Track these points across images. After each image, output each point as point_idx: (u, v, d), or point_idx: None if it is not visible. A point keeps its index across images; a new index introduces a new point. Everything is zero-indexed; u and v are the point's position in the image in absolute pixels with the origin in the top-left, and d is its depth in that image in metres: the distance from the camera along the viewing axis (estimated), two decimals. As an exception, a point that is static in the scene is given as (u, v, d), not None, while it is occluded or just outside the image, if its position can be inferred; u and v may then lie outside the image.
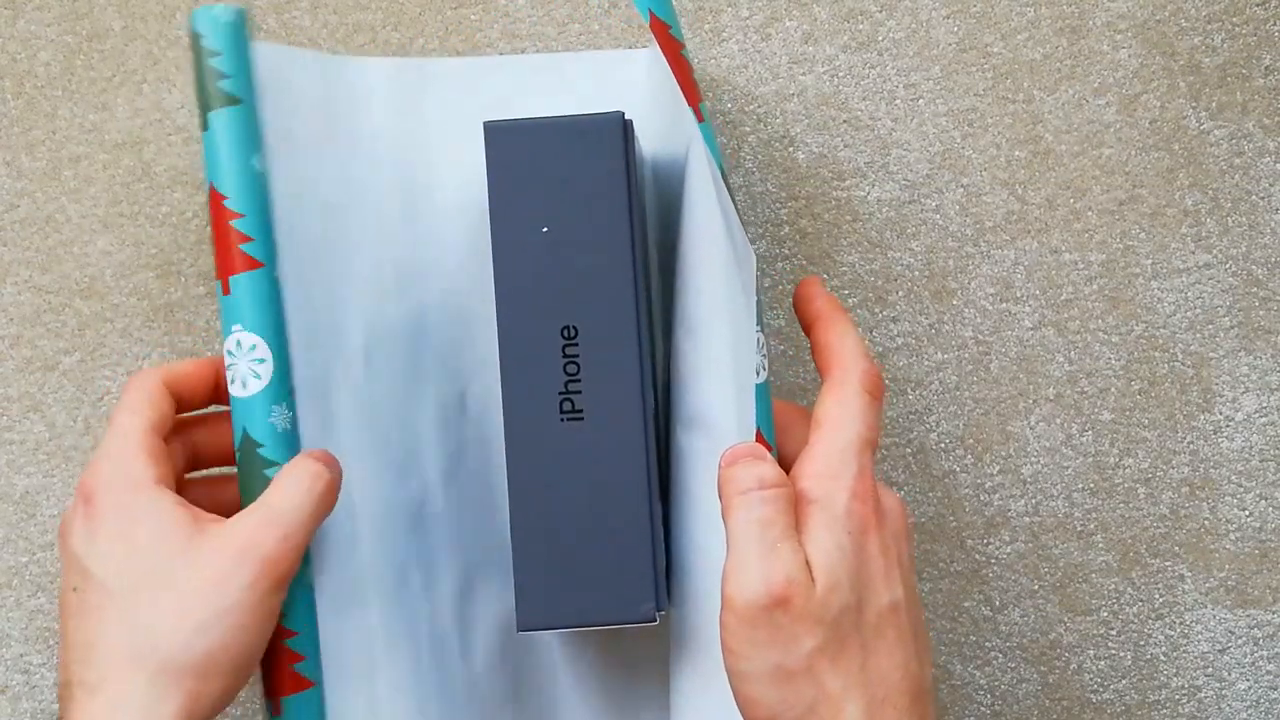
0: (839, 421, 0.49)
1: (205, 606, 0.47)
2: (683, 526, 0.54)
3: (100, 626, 0.47)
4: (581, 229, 0.51)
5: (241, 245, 0.52)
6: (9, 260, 0.63)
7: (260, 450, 0.52)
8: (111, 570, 0.48)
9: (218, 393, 0.54)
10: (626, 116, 0.52)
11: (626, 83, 0.59)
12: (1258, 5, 0.62)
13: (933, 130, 0.62)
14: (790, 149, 0.62)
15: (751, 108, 0.62)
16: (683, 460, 0.54)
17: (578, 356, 0.51)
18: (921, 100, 0.62)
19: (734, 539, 0.47)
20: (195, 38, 0.53)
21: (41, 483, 0.62)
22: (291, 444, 0.52)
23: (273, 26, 0.63)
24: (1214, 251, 0.62)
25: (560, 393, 0.52)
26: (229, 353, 0.52)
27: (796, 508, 0.48)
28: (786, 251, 0.62)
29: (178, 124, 0.63)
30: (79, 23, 0.63)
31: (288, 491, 0.49)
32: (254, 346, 0.52)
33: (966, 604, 0.62)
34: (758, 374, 0.50)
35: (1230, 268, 0.62)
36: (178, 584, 0.47)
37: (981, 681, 0.62)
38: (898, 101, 0.62)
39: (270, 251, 0.53)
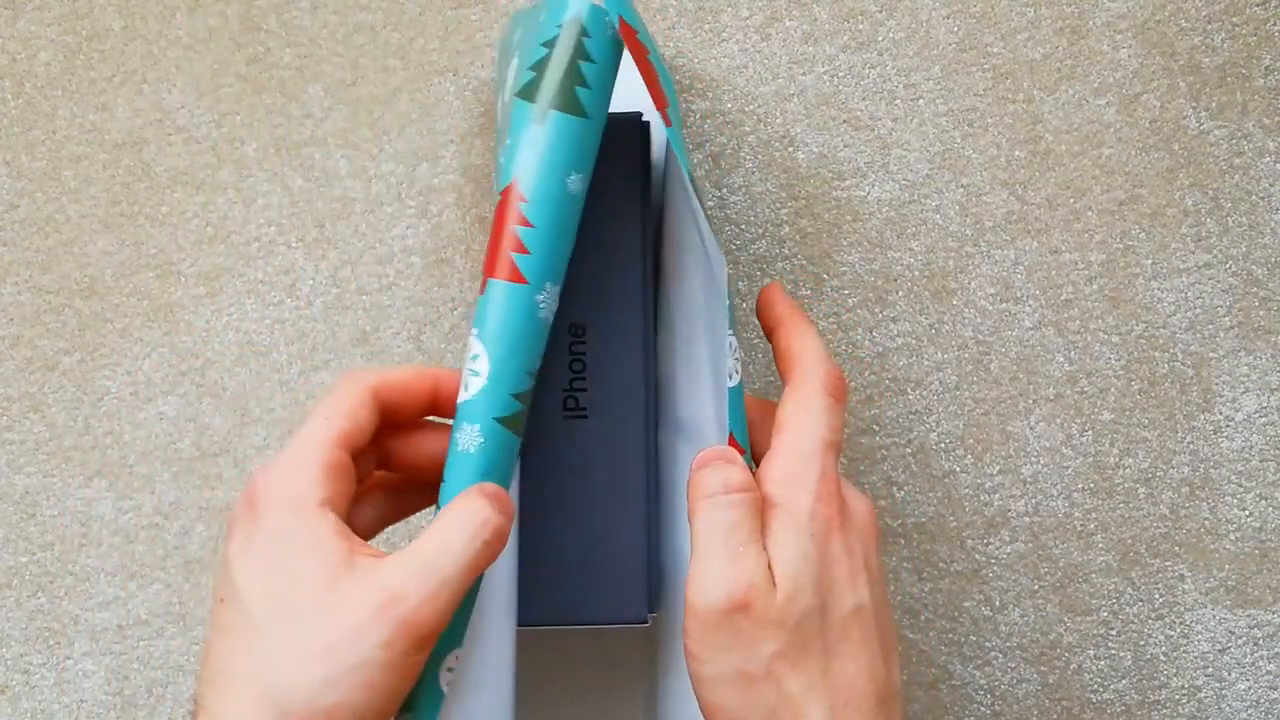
0: (801, 424, 0.49)
1: (336, 660, 0.43)
2: (668, 530, 0.54)
3: (234, 653, 0.44)
4: (595, 228, 0.51)
5: (515, 255, 0.47)
6: (9, 260, 0.63)
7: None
8: (256, 593, 0.44)
9: (433, 405, 0.49)
10: (644, 118, 0.52)
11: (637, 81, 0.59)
12: (1258, 5, 0.62)
13: (933, 130, 0.62)
14: (790, 149, 0.62)
15: (751, 108, 0.62)
16: (667, 464, 0.54)
17: (584, 354, 0.51)
18: (921, 100, 0.62)
19: (698, 543, 0.47)
20: (582, 33, 0.48)
21: (41, 483, 0.62)
22: (459, 463, 0.47)
23: (273, 26, 0.63)
24: (1214, 251, 0.62)
25: (565, 389, 0.51)
26: (471, 356, 0.48)
27: (761, 512, 0.48)
28: (786, 251, 0.62)
29: (178, 124, 0.63)
30: (79, 23, 0.63)
31: (447, 538, 0.45)
32: (476, 357, 0.47)
33: (966, 604, 0.62)
34: (730, 377, 0.50)
35: (1230, 268, 0.62)
36: (315, 628, 0.44)
37: (981, 681, 0.62)
38: (898, 101, 0.62)
39: (541, 275, 0.48)
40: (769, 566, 0.46)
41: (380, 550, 0.45)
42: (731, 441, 0.50)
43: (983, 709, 0.62)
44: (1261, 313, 0.62)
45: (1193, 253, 0.62)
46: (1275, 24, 0.63)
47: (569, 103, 0.48)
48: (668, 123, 0.49)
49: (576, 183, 0.48)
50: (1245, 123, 0.62)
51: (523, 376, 0.47)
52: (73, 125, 0.63)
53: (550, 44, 0.48)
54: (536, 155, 0.48)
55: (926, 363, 0.62)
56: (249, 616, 0.44)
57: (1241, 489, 0.62)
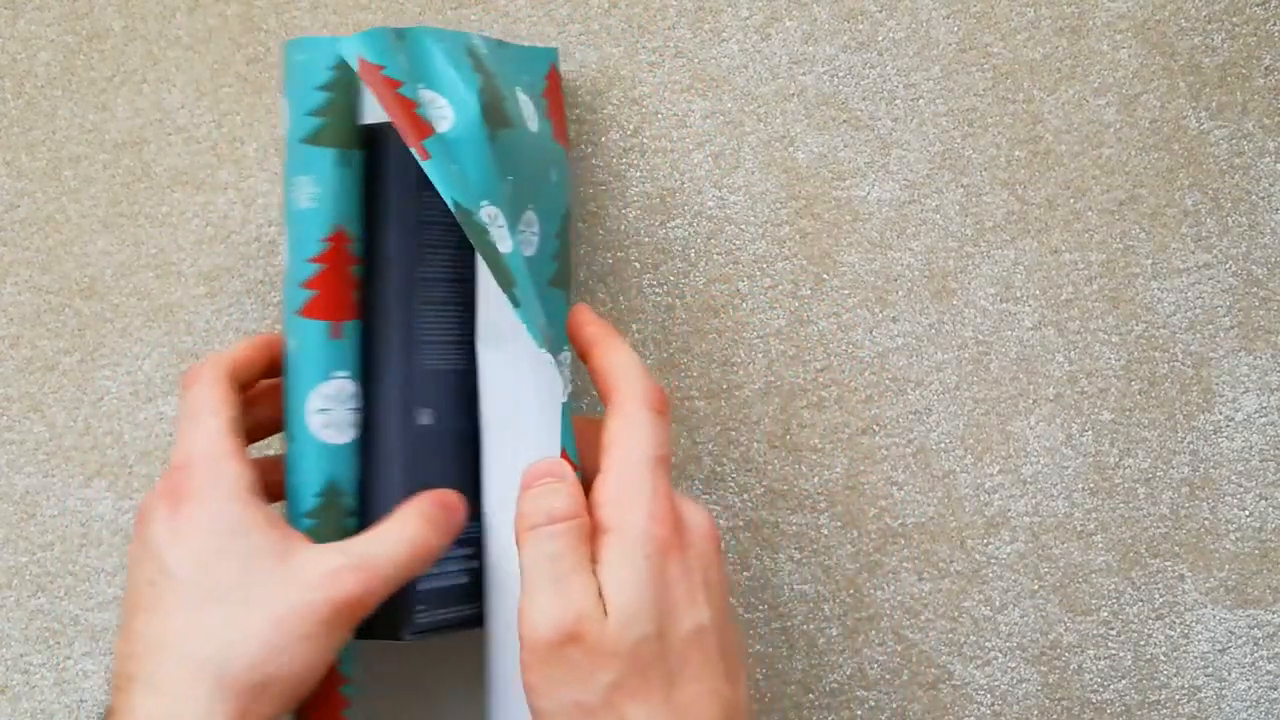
0: (627, 443, 0.48)
1: (278, 632, 0.46)
2: (492, 544, 0.54)
3: (174, 627, 0.47)
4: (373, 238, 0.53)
5: (354, 292, 0.52)
6: (9, 260, 0.63)
7: (343, 500, 0.52)
8: (197, 575, 0.47)
9: (274, 368, 0.53)
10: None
11: None
12: (1258, 5, 0.63)
13: (933, 130, 0.62)
14: (790, 149, 0.62)
15: (751, 108, 0.62)
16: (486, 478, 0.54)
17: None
18: (921, 100, 0.62)
19: (525, 575, 0.47)
20: (350, 71, 0.51)
21: (41, 483, 0.62)
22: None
23: (273, 26, 0.63)
24: (1214, 251, 0.62)
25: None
26: (326, 397, 0.51)
27: (593, 537, 0.47)
28: (787, 251, 0.62)
29: (178, 124, 0.63)
30: (79, 23, 0.63)
31: (389, 541, 0.49)
32: (353, 395, 0.52)
33: (966, 604, 0.62)
34: (561, 393, 0.50)
35: (1230, 268, 0.62)
36: (259, 605, 0.47)
37: (981, 681, 0.62)
38: (898, 101, 0.62)
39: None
40: (599, 594, 0.46)
41: (309, 540, 0.49)
42: (564, 457, 0.50)
43: (983, 709, 0.62)
44: (1261, 313, 0.62)
45: (1193, 253, 0.62)
46: (1275, 24, 0.63)
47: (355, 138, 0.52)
48: (424, 155, 0.49)
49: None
50: (1245, 123, 0.62)
51: None
52: (73, 125, 0.63)
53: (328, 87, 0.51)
54: (351, 196, 0.51)
55: (926, 363, 0.62)
56: (188, 595, 0.47)
57: (1241, 489, 0.62)
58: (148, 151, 0.63)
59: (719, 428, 0.62)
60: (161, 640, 0.47)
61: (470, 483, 0.53)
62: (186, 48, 0.63)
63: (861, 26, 0.62)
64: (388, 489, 0.52)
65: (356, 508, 0.52)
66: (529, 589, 0.47)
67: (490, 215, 0.51)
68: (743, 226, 0.62)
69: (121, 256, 0.63)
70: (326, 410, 0.51)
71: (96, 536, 0.62)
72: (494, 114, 0.52)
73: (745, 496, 0.62)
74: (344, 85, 0.51)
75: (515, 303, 0.50)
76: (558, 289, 0.56)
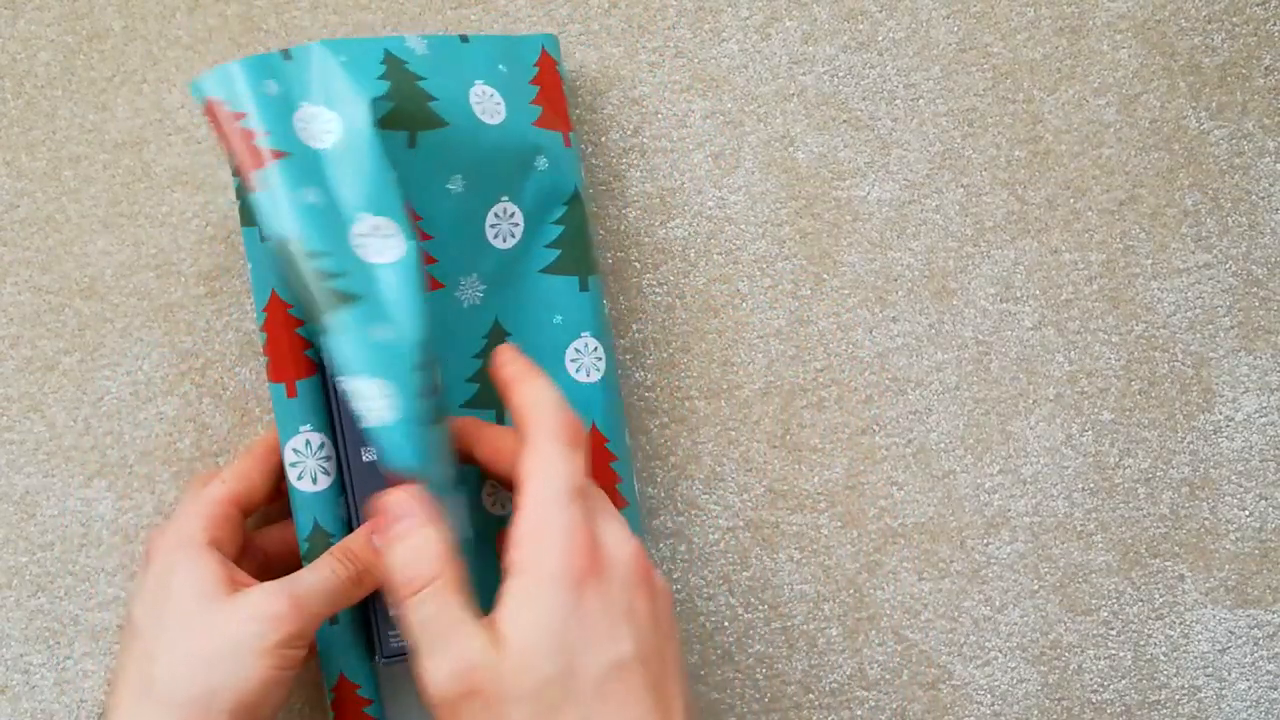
0: (540, 476, 0.48)
1: (209, 650, 0.50)
2: None
3: (124, 663, 0.51)
4: None
5: (306, 351, 0.55)
6: (9, 260, 0.63)
7: (330, 541, 0.55)
8: (145, 618, 0.51)
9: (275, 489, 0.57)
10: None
11: None
12: (1258, 5, 0.63)
13: (933, 130, 0.62)
14: (790, 149, 0.62)
15: (751, 108, 0.62)
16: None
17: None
18: (921, 100, 0.62)
19: (410, 640, 0.47)
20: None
21: (41, 483, 0.62)
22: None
23: (273, 26, 0.63)
24: (1214, 251, 0.62)
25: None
26: (295, 450, 0.55)
27: (503, 578, 0.47)
28: (787, 251, 0.62)
29: (178, 124, 0.63)
30: (79, 23, 0.63)
31: (314, 575, 0.53)
32: (322, 445, 0.56)
33: (966, 604, 0.62)
34: (588, 375, 0.53)
35: (1230, 268, 0.62)
36: (193, 631, 0.50)
37: (981, 681, 0.62)
38: (898, 101, 0.62)
39: (329, 365, 0.56)
40: (497, 640, 0.45)
41: (242, 574, 0.53)
42: (595, 433, 0.51)
43: (983, 709, 0.62)
44: (1261, 313, 0.62)
45: (1193, 253, 0.62)
46: (1275, 24, 0.63)
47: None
48: (253, 187, 0.51)
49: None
50: (1245, 123, 0.62)
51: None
52: (73, 125, 0.63)
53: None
54: (282, 269, 0.54)
55: (926, 363, 0.62)
56: (137, 633, 0.51)
57: (1241, 489, 0.62)
58: (148, 151, 0.63)
59: (719, 428, 0.62)
60: (119, 677, 0.51)
61: None
62: (186, 48, 0.63)
63: (861, 26, 0.62)
64: (353, 524, 0.56)
65: None
66: (417, 655, 0.47)
67: (374, 226, 0.51)
68: (743, 226, 0.62)
69: (121, 256, 0.63)
70: (296, 463, 0.56)
71: (96, 536, 0.62)
72: (407, 118, 0.53)
73: (745, 496, 0.62)
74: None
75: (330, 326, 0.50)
76: (562, 275, 0.56)
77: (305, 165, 0.51)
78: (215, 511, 0.54)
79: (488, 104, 0.56)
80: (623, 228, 0.62)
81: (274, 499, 0.57)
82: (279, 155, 0.51)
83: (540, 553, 0.46)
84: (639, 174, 0.62)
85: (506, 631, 0.46)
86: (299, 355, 0.56)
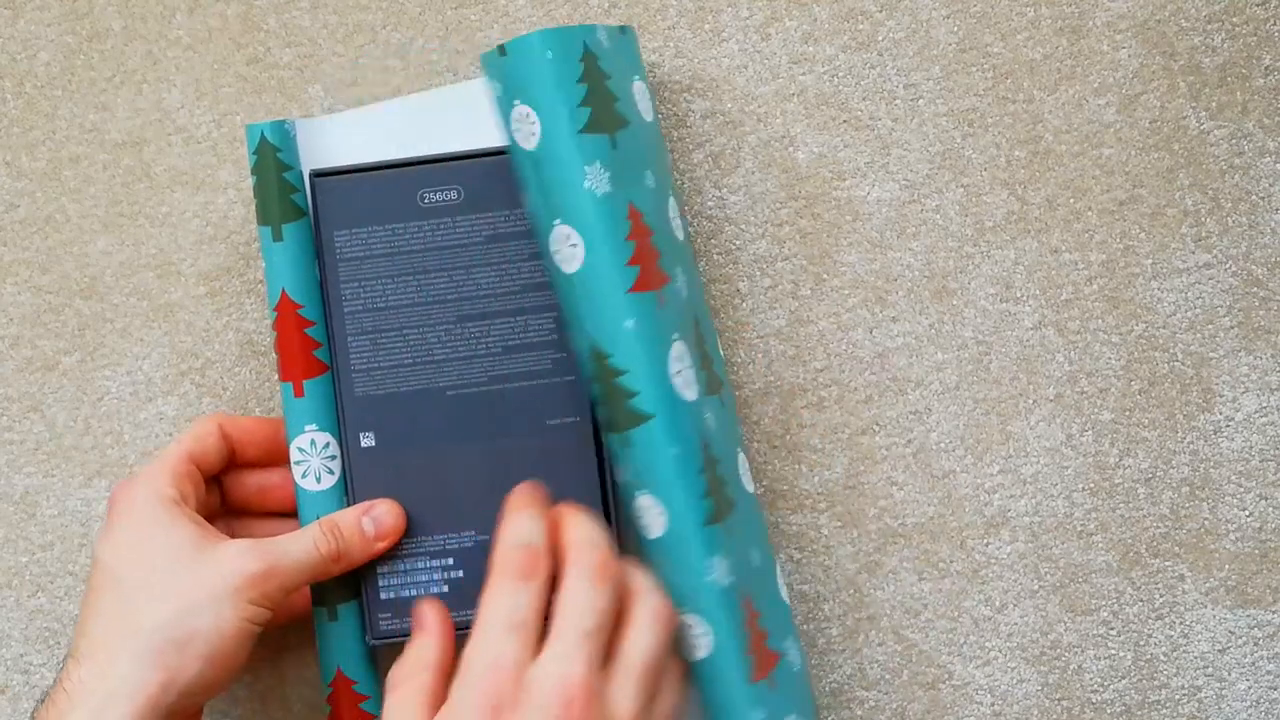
0: (482, 617, 0.50)
1: (188, 595, 0.52)
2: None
3: (100, 607, 0.53)
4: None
5: (315, 351, 0.57)
6: (9, 260, 0.63)
7: None
8: (123, 565, 0.53)
9: (273, 456, 0.59)
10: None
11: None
12: (1258, 5, 0.63)
13: (933, 130, 0.62)
14: (790, 149, 0.62)
15: (751, 108, 0.62)
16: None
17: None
18: (921, 100, 0.62)
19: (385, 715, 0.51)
20: (270, 150, 0.57)
21: (41, 483, 0.62)
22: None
23: (273, 26, 0.63)
24: (1214, 251, 0.62)
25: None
26: (300, 449, 0.57)
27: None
28: (786, 251, 0.62)
29: (178, 124, 0.63)
30: (79, 23, 0.63)
31: (296, 545, 0.55)
32: (327, 445, 0.57)
33: (966, 604, 0.62)
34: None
35: (1230, 268, 0.62)
36: (172, 580, 0.53)
37: (981, 681, 0.62)
38: (898, 101, 0.62)
39: (332, 355, 0.57)
40: None
41: (210, 528, 0.55)
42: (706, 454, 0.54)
43: (983, 709, 0.62)
44: (1261, 313, 0.62)
45: (1193, 253, 0.62)
46: (1275, 24, 0.63)
47: (292, 211, 0.57)
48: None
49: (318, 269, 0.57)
50: (1245, 123, 0.62)
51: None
52: (73, 125, 0.63)
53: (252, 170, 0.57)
54: (291, 265, 0.57)
55: (926, 363, 0.62)
56: (115, 581, 0.53)
57: (1241, 489, 0.62)
58: (148, 151, 0.63)
59: (719, 428, 0.62)
60: (96, 622, 0.52)
61: (420, 496, 0.57)
62: (186, 48, 0.63)
63: (861, 26, 0.62)
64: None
65: None
66: None
67: (565, 235, 0.54)
68: (743, 226, 0.62)
69: (121, 256, 0.63)
70: (301, 461, 0.57)
71: (96, 536, 0.62)
72: (605, 121, 0.54)
73: (745, 496, 0.62)
74: (267, 167, 0.57)
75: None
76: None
77: (522, 168, 0.54)
78: (178, 468, 0.55)
79: (644, 101, 0.57)
80: (623, 228, 0.62)
81: (227, 467, 0.59)
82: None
83: (462, 686, 0.49)
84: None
85: None
86: (308, 355, 0.57)
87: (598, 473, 0.57)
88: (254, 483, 0.59)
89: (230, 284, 0.63)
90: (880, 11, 0.62)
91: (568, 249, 0.53)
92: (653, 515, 0.54)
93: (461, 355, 0.57)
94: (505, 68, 0.54)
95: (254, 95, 0.63)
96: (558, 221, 0.53)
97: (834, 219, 0.62)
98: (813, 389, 0.62)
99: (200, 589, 0.52)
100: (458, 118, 0.61)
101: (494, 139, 0.59)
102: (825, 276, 0.62)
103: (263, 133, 0.57)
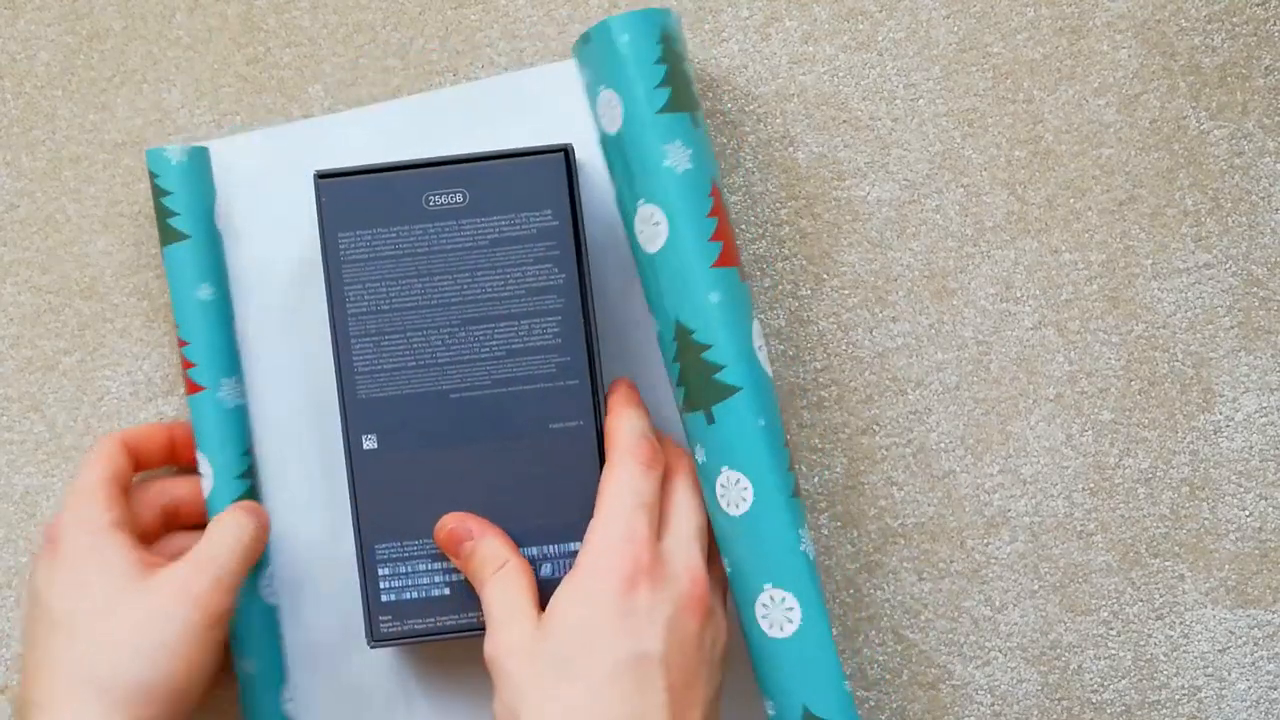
0: (610, 494, 0.53)
1: (143, 638, 0.52)
2: None
3: (51, 652, 0.52)
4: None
5: (188, 371, 0.59)
6: (9, 260, 0.63)
7: None
8: (64, 603, 0.53)
9: (173, 455, 0.60)
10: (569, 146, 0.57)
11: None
12: (1258, 5, 0.63)
13: (933, 130, 0.62)
14: (790, 149, 0.62)
15: (751, 108, 0.62)
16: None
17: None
18: (921, 100, 0.62)
19: (485, 609, 0.54)
20: (151, 176, 0.59)
21: (41, 483, 0.62)
22: None
23: (273, 26, 0.63)
24: (1214, 251, 0.62)
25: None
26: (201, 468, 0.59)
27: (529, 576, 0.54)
28: (786, 251, 0.62)
29: (178, 124, 0.63)
30: (79, 23, 0.63)
31: (218, 540, 0.56)
32: (200, 461, 0.59)
33: (966, 604, 0.62)
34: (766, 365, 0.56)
35: (1230, 268, 0.62)
36: (121, 617, 0.53)
37: (981, 681, 0.62)
38: (898, 101, 0.62)
39: (214, 375, 0.59)
40: (541, 622, 0.52)
41: (164, 560, 0.55)
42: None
43: (983, 709, 0.62)
44: (1261, 313, 0.62)
45: (1193, 253, 0.62)
46: (1275, 24, 0.63)
47: (170, 234, 0.59)
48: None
49: (205, 290, 0.59)
50: (1245, 123, 0.62)
51: (239, 459, 0.59)
52: (73, 125, 0.63)
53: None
54: (171, 285, 0.59)
55: (926, 363, 0.62)
56: (57, 622, 0.52)
57: (1241, 489, 0.62)
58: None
59: (719, 428, 0.62)
60: (48, 667, 0.52)
61: (422, 498, 0.57)
62: (186, 48, 0.63)
63: (861, 26, 0.62)
64: (359, 519, 0.57)
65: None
66: (487, 628, 0.54)
67: (649, 215, 0.55)
68: (742, 227, 0.62)
69: (121, 256, 0.63)
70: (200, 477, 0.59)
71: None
72: (684, 100, 0.56)
73: (745, 496, 0.62)
74: (155, 193, 0.59)
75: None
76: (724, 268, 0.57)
77: (607, 153, 0.56)
78: (107, 492, 0.56)
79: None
80: (623, 228, 0.62)
81: (157, 463, 0.60)
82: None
83: (596, 554, 0.52)
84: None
85: (548, 612, 0.52)
86: (183, 373, 0.59)
87: (600, 477, 0.57)
88: (161, 497, 0.60)
89: (230, 284, 0.63)
90: (880, 11, 0.62)
91: (650, 228, 0.54)
92: (738, 491, 0.54)
93: (465, 358, 0.57)
94: (588, 55, 0.56)
95: (254, 95, 0.63)
96: (641, 202, 0.55)
97: (834, 219, 0.62)
98: (813, 389, 0.62)
99: (155, 628, 0.52)
100: (461, 119, 0.61)
101: (497, 142, 0.59)
102: (825, 276, 0.62)
103: (147, 157, 0.59)
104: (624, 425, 0.55)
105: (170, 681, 0.52)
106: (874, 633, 0.62)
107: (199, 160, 0.60)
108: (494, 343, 0.57)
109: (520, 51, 0.62)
